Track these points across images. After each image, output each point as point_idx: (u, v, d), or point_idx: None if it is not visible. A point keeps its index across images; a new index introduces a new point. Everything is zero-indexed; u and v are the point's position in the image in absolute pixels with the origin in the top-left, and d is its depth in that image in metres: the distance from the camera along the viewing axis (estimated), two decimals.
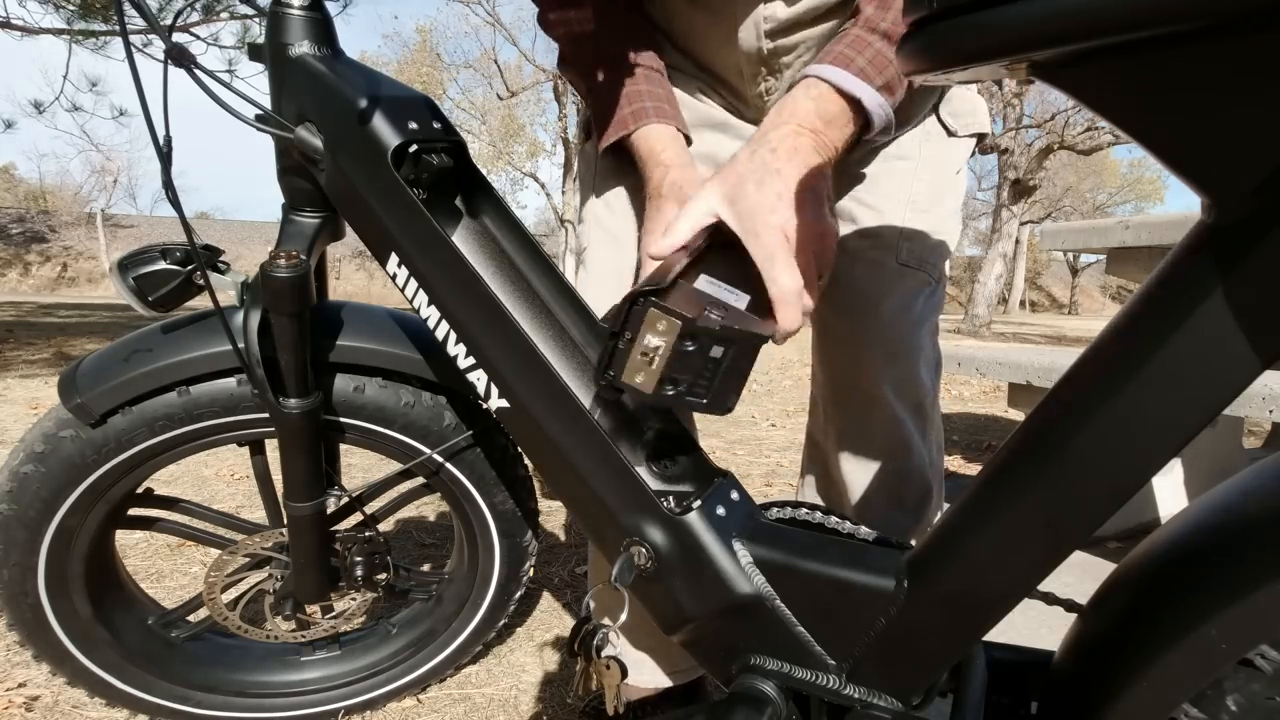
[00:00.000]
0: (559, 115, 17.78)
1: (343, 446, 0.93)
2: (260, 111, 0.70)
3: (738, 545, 0.59)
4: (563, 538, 1.71)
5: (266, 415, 0.81)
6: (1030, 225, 22.43)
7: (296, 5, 0.69)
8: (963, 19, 0.32)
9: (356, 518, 0.94)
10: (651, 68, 0.75)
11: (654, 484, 0.63)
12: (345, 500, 0.92)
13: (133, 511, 0.90)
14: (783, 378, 4.71)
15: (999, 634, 0.51)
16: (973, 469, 2.50)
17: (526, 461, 0.94)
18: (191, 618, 0.96)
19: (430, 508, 1.83)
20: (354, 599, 0.95)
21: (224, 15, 5.23)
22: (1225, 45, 0.29)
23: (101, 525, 0.84)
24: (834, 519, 0.62)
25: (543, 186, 20.54)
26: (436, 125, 0.71)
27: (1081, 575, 1.32)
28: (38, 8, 4.96)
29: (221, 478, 2.10)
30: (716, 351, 0.52)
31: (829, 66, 0.62)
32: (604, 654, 0.64)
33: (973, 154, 0.84)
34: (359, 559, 0.91)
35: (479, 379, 0.68)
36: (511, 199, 21.59)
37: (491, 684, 1.11)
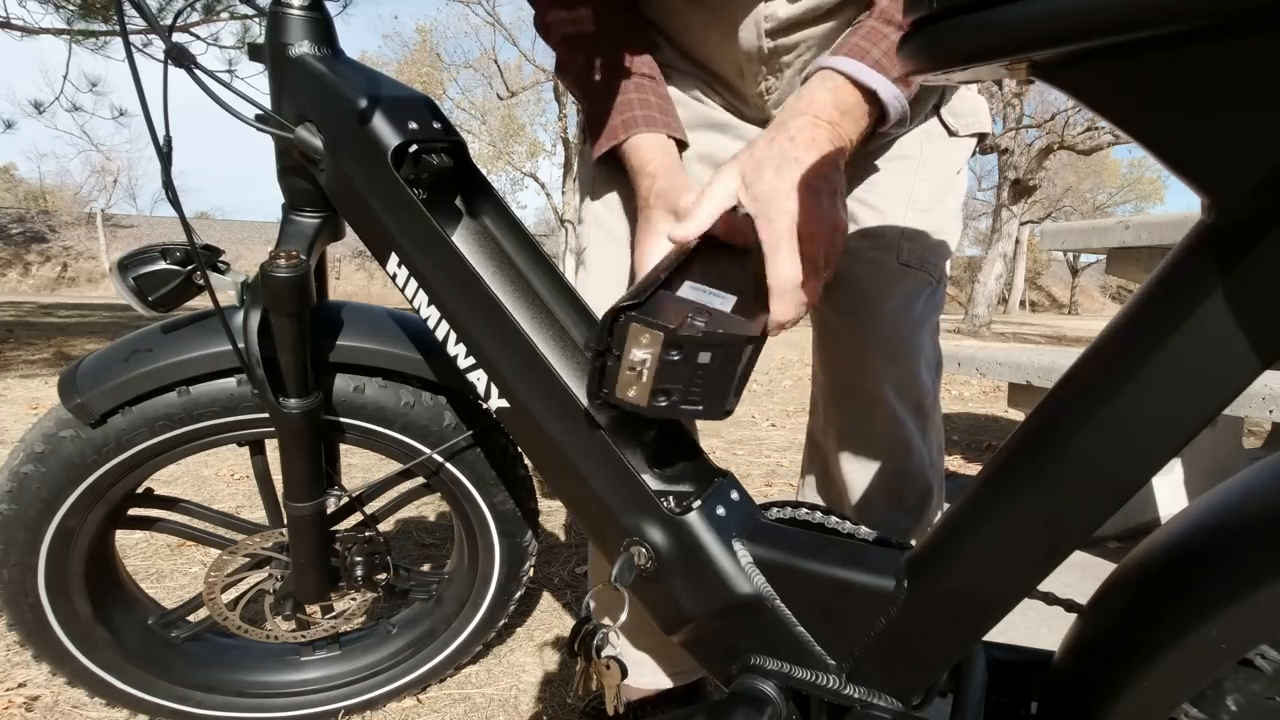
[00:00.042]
0: (559, 115, 17.78)
1: (343, 446, 0.93)
2: (260, 111, 0.70)
3: (738, 545, 0.59)
4: (563, 538, 1.71)
5: (266, 415, 0.81)
6: (1030, 225, 22.44)
7: (296, 5, 0.69)
8: (963, 19, 0.32)
9: (356, 518, 0.94)
10: (644, 74, 0.75)
11: (654, 484, 0.63)
12: (345, 500, 0.92)
13: (133, 511, 0.90)
14: (783, 378, 4.71)
15: (999, 634, 0.51)
16: (973, 469, 2.50)
17: (526, 461, 0.94)
18: (191, 618, 0.96)
19: (430, 508, 1.83)
20: (354, 599, 0.95)
21: (224, 15, 5.23)
22: (1225, 45, 0.29)
23: (101, 525, 0.84)
24: (834, 519, 0.62)
25: (543, 186, 20.54)
26: (436, 125, 0.71)
27: (1081, 575, 1.32)
28: (38, 8, 4.97)
29: (221, 478, 2.10)
30: (704, 357, 0.52)
31: (845, 58, 0.62)
32: (604, 654, 0.64)
33: (973, 154, 0.84)
34: (359, 559, 0.91)
35: (479, 379, 0.68)
36: (511, 199, 21.59)
37: (491, 684, 1.11)
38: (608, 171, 0.80)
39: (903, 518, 0.85)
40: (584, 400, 0.61)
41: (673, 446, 0.67)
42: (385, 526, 1.06)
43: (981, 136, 0.83)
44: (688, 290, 0.56)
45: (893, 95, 0.62)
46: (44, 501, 0.79)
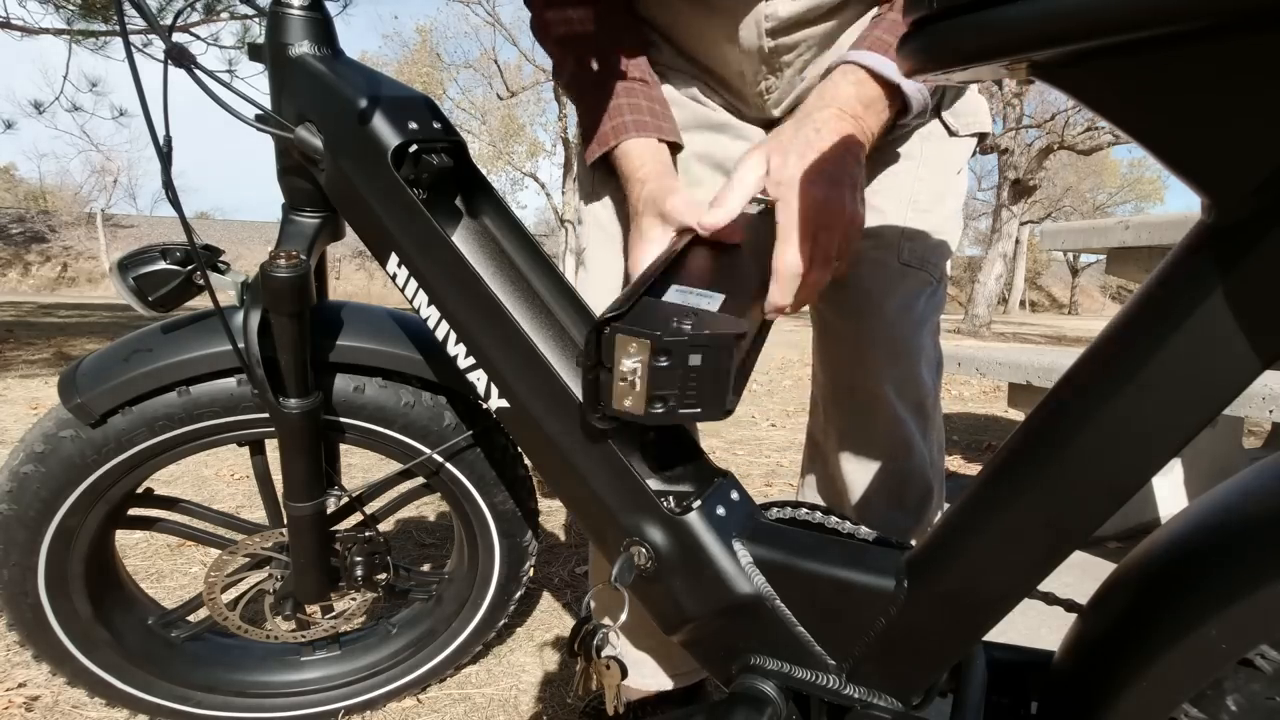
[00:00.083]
0: (559, 115, 17.77)
1: (343, 446, 0.93)
2: (260, 111, 0.70)
3: (738, 545, 0.59)
4: (563, 538, 1.71)
5: (266, 415, 0.81)
6: (1030, 225, 22.43)
7: (296, 5, 0.69)
8: (963, 19, 0.32)
9: (356, 518, 0.94)
10: (636, 77, 0.75)
11: (654, 484, 0.63)
12: (345, 500, 0.92)
13: (133, 511, 0.90)
14: (783, 378, 4.71)
15: (999, 634, 0.51)
16: (973, 469, 2.50)
17: (526, 461, 0.94)
18: (191, 618, 0.96)
19: (430, 508, 1.83)
20: (354, 599, 0.95)
21: (224, 15, 5.23)
22: (1225, 45, 0.29)
23: (101, 525, 0.84)
24: (834, 519, 0.62)
25: (543, 186, 20.54)
26: (436, 125, 0.71)
27: (1081, 575, 1.32)
28: (38, 8, 4.96)
29: (221, 478, 2.10)
30: (695, 360, 0.51)
31: (867, 52, 0.63)
32: (604, 654, 0.64)
33: (973, 154, 0.84)
34: (359, 559, 0.91)
35: (479, 379, 0.68)
36: (511, 199, 21.59)
37: (491, 684, 1.11)
38: (605, 173, 0.80)
39: (903, 518, 0.85)
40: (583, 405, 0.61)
41: (673, 447, 0.67)
42: (385, 526, 1.06)
43: (982, 136, 0.83)
44: (674, 294, 0.56)
45: (915, 88, 0.63)
46: (44, 501, 0.79)
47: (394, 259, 0.69)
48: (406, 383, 0.87)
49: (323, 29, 0.70)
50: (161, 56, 0.63)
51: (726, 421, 3.13)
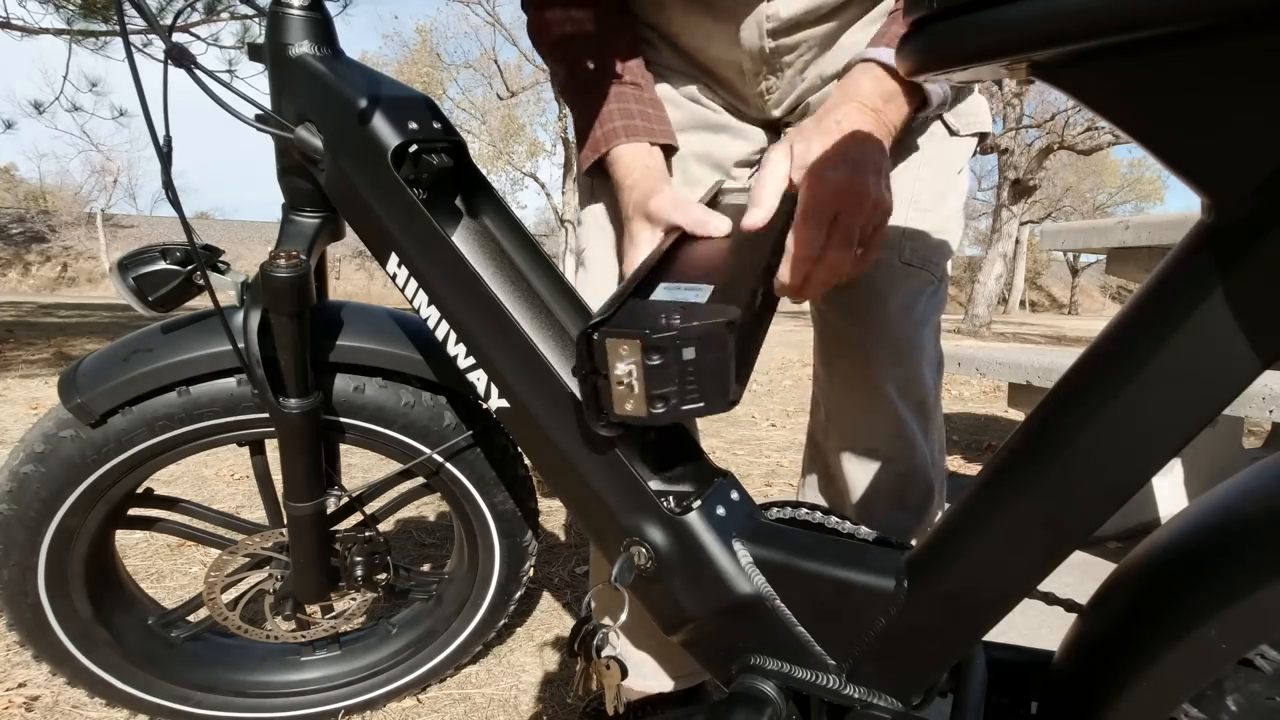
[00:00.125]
0: (559, 115, 17.80)
1: (343, 446, 0.93)
2: (260, 111, 0.70)
3: (738, 545, 0.59)
4: (563, 538, 1.71)
5: (266, 415, 0.81)
6: (1030, 225, 22.43)
7: (296, 5, 0.69)
8: (963, 19, 0.32)
9: (356, 518, 0.94)
10: (628, 81, 0.75)
11: (654, 484, 0.63)
12: (345, 500, 0.92)
13: (133, 511, 0.90)
14: (783, 378, 4.71)
15: (999, 634, 0.51)
16: (973, 469, 2.50)
17: (526, 461, 0.94)
18: (191, 618, 0.96)
19: (430, 508, 1.83)
20: (354, 599, 0.95)
21: (224, 15, 5.23)
22: (1225, 46, 0.29)
23: (101, 525, 0.84)
24: (834, 519, 0.62)
25: (543, 186, 20.55)
26: (436, 125, 0.71)
27: (1081, 575, 1.32)
28: (38, 8, 4.96)
29: (221, 478, 2.10)
30: (689, 353, 0.51)
31: (884, 49, 0.64)
32: (604, 654, 0.64)
33: (974, 153, 0.84)
34: (359, 559, 0.91)
35: (479, 379, 0.68)
36: (511, 199, 21.60)
37: (491, 684, 1.11)
38: (602, 177, 0.80)
39: (905, 518, 0.85)
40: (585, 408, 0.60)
41: (673, 446, 0.67)
42: (385, 526, 1.06)
43: (982, 136, 0.83)
44: (661, 292, 0.55)
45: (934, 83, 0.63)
46: (44, 501, 0.79)
47: (394, 259, 0.69)
48: (406, 383, 0.87)
49: (323, 29, 0.71)
50: (161, 56, 0.63)
51: (726, 421, 3.14)
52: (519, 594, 1.00)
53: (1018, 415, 2.89)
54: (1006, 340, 9.40)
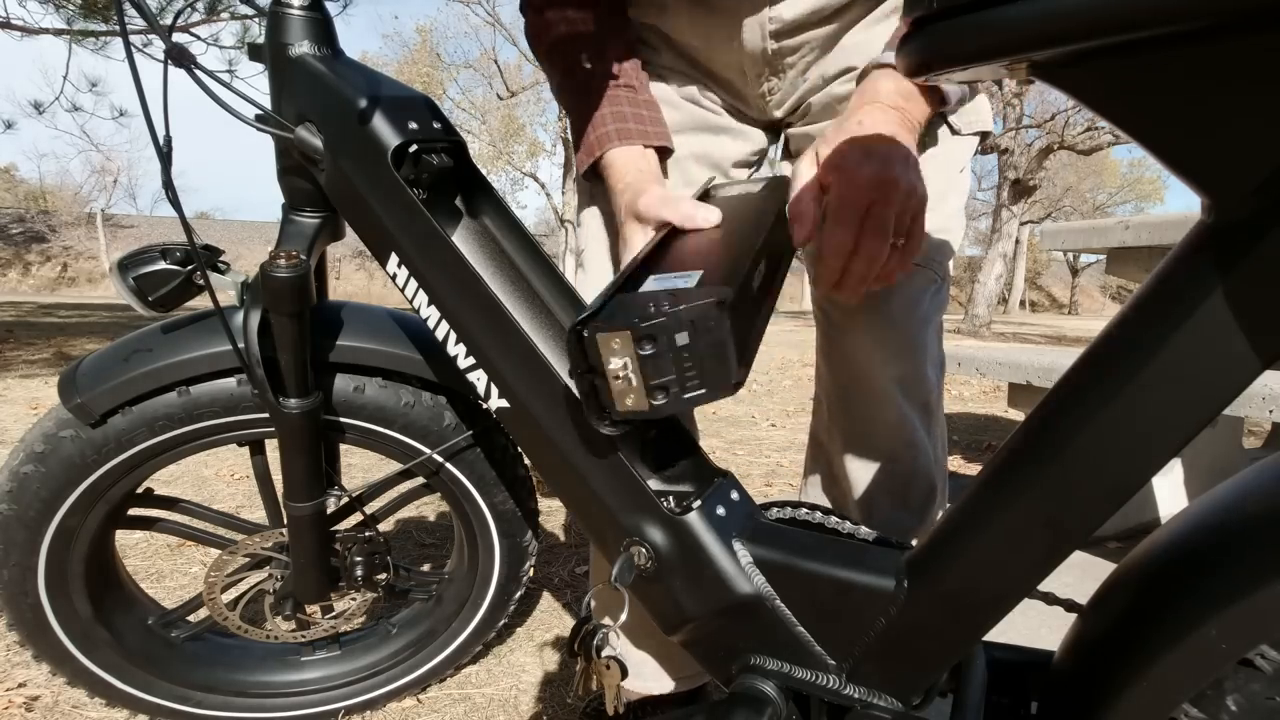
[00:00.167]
0: (559, 115, 17.77)
1: (343, 446, 0.93)
2: (260, 111, 0.70)
3: (738, 545, 0.59)
4: (563, 538, 1.71)
5: (266, 415, 0.81)
6: (1030, 225, 22.43)
7: (296, 5, 0.69)
8: (963, 19, 0.32)
9: (356, 518, 0.94)
10: (623, 83, 0.75)
11: (654, 484, 0.63)
12: (345, 500, 0.92)
13: (133, 511, 0.90)
14: (783, 378, 4.71)
15: (999, 634, 0.51)
16: (973, 469, 2.50)
17: (526, 461, 0.94)
18: (191, 618, 0.96)
19: (430, 508, 1.83)
20: (354, 599, 0.95)
21: (224, 15, 5.23)
22: (1225, 45, 0.29)
23: (101, 525, 0.84)
24: (834, 519, 0.62)
25: (543, 186, 20.55)
26: (436, 125, 0.71)
27: (1081, 575, 1.32)
28: (38, 8, 4.96)
29: (221, 478, 2.10)
30: (682, 339, 0.49)
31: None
32: (604, 654, 0.64)
33: (975, 153, 0.84)
34: (359, 559, 0.91)
35: (479, 379, 0.68)
36: (511, 199, 21.60)
37: (491, 684, 1.11)
38: (599, 179, 0.80)
39: (907, 517, 0.85)
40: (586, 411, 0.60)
41: (673, 446, 0.67)
42: (385, 526, 1.06)
43: (983, 135, 0.82)
44: (650, 284, 0.54)
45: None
46: (44, 501, 0.79)
47: (394, 259, 0.69)
48: (406, 383, 0.87)
49: (323, 29, 0.71)
50: (161, 56, 0.63)
51: (726, 421, 3.14)
52: (519, 594, 1.00)
53: (1018, 415, 2.89)
54: (1006, 340, 9.40)
